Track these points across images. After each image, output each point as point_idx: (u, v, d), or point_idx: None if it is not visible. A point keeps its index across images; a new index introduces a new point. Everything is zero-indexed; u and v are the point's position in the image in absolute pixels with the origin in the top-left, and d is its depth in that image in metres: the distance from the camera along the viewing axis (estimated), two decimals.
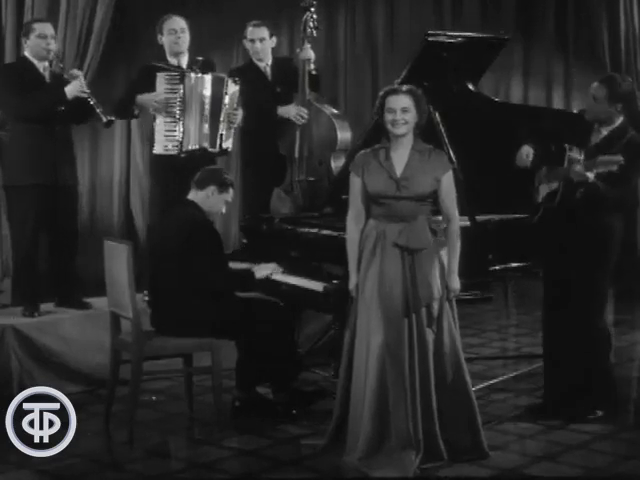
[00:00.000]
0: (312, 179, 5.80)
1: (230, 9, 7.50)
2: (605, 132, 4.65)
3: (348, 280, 4.30)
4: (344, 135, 5.79)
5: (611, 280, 4.84)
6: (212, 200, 4.82)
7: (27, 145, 5.52)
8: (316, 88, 5.99)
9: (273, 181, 5.92)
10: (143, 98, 5.73)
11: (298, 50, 5.90)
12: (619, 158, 4.31)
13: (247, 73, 6.07)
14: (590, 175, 4.35)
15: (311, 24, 5.84)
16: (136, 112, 5.85)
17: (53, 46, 5.55)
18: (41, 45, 5.51)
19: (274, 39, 6.16)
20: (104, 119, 5.45)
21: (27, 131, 5.52)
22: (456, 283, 4.24)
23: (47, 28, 5.56)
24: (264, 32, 6.07)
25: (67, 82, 5.51)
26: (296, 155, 5.83)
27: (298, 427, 4.74)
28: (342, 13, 8.40)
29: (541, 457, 4.32)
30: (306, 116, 5.80)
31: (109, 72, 6.79)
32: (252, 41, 6.07)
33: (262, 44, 6.06)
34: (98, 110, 5.44)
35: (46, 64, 5.57)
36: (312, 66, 5.89)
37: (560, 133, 4.68)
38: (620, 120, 4.64)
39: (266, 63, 6.12)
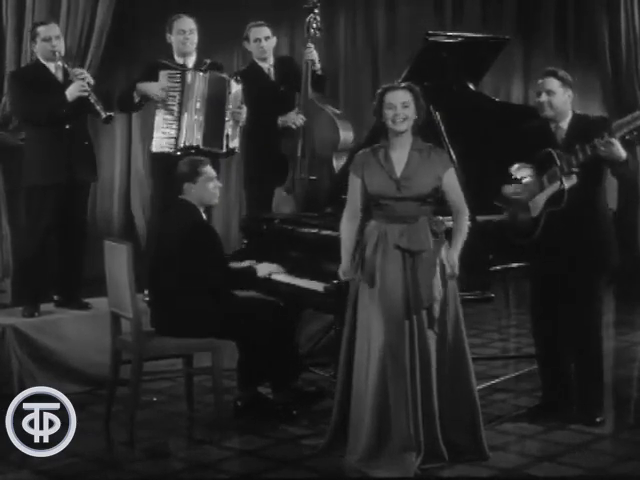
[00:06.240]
0: (314, 178, 5.83)
1: (230, 10, 7.50)
2: (565, 126, 4.63)
3: (348, 280, 4.31)
4: (346, 135, 5.81)
5: (611, 280, 4.83)
6: (194, 193, 4.79)
7: (40, 147, 5.58)
8: (320, 89, 6.03)
9: (276, 181, 5.94)
10: (146, 86, 5.77)
11: (303, 50, 5.93)
12: (637, 113, 4.33)
13: (250, 75, 6.09)
14: (616, 143, 4.36)
15: (314, 25, 5.88)
16: (137, 100, 5.86)
17: (59, 47, 5.58)
18: (47, 47, 5.56)
19: (275, 39, 6.19)
20: (103, 115, 5.47)
21: (39, 133, 5.59)
22: (454, 260, 4.20)
23: (50, 30, 5.60)
24: (267, 31, 6.11)
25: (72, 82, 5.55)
26: (298, 154, 5.86)
27: (298, 427, 4.74)
28: (342, 13, 8.40)
29: (541, 457, 4.32)
30: (301, 122, 5.83)
31: (110, 72, 6.79)
32: (257, 40, 6.09)
33: (267, 42, 6.10)
34: (97, 107, 5.46)
35: (58, 64, 5.61)
36: (317, 66, 5.94)
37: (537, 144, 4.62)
38: (571, 110, 4.64)
39: (269, 63, 6.15)
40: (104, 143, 7.37)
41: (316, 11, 5.88)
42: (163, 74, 5.78)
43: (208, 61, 5.94)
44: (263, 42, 6.08)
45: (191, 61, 5.91)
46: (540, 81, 4.66)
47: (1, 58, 6.23)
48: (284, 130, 5.93)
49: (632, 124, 4.38)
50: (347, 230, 4.31)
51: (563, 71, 4.70)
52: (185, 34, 5.87)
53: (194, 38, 5.90)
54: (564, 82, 4.62)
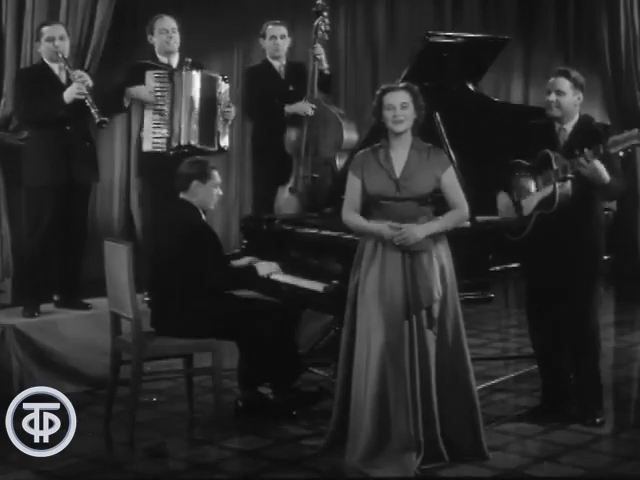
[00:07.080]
0: (316, 176, 5.86)
1: (230, 11, 7.51)
2: (569, 128, 4.61)
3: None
4: (350, 135, 5.86)
5: (611, 280, 4.83)
6: (200, 194, 4.80)
7: (41, 148, 5.61)
8: (326, 89, 6.07)
9: (282, 179, 5.97)
10: (137, 90, 5.82)
11: (310, 49, 5.97)
12: (635, 132, 4.27)
13: (262, 71, 6.19)
14: (600, 167, 4.34)
15: (323, 28, 5.93)
16: (126, 104, 5.89)
17: (62, 47, 5.59)
18: (50, 48, 5.59)
19: (289, 39, 6.26)
20: (97, 119, 5.48)
21: (40, 134, 5.62)
22: (419, 232, 4.12)
23: (55, 30, 5.63)
24: (284, 30, 6.20)
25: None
26: (302, 153, 5.89)
27: (298, 427, 4.74)
28: (343, 13, 8.40)
29: (541, 458, 4.32)
30: (312, 111, 5.85)
31: (109, 72, 6.78)
32: (273, 38, 6.16)
33: (283, 41, 6.17)
34: (93, 110, 5.47)
35: (62, 65, 5.61)
36: (325, 65, 5.99)
37: (537, 144, 4.60)
38: (578, 113, 4.62)
39: (281, 63, 6.20)
40: (104, 143, 7.37)
41: (325, 14, 5.94)
42: (150, 74, 5.83)
43: (190, 60, 5.93)
44: (279, 40, 6.16)
45: (175, 60, 5.97)
46: (552, 80, 4.63)
47: (1, 58, 6.23)
48: (289, 121, 5.95)
49: (627, 142, 4.31)
50: (359, 220, 4.26)
51: (577, 72, 4.65)
52: (168, 33, 5.93)
53: (177, 37, 5.97)
54: (576, 84, 4.58)
